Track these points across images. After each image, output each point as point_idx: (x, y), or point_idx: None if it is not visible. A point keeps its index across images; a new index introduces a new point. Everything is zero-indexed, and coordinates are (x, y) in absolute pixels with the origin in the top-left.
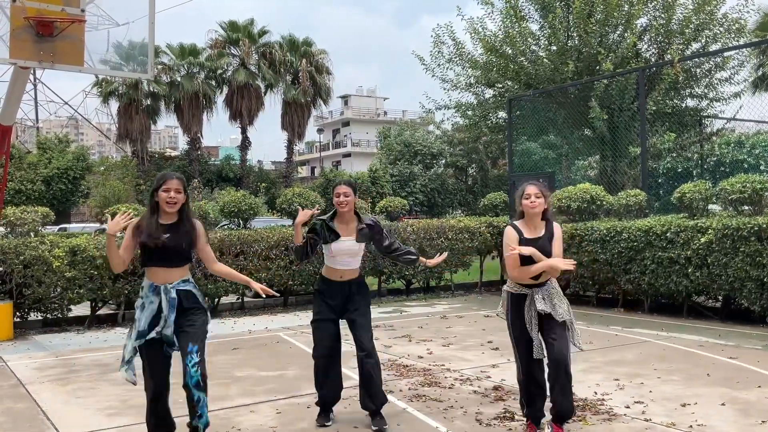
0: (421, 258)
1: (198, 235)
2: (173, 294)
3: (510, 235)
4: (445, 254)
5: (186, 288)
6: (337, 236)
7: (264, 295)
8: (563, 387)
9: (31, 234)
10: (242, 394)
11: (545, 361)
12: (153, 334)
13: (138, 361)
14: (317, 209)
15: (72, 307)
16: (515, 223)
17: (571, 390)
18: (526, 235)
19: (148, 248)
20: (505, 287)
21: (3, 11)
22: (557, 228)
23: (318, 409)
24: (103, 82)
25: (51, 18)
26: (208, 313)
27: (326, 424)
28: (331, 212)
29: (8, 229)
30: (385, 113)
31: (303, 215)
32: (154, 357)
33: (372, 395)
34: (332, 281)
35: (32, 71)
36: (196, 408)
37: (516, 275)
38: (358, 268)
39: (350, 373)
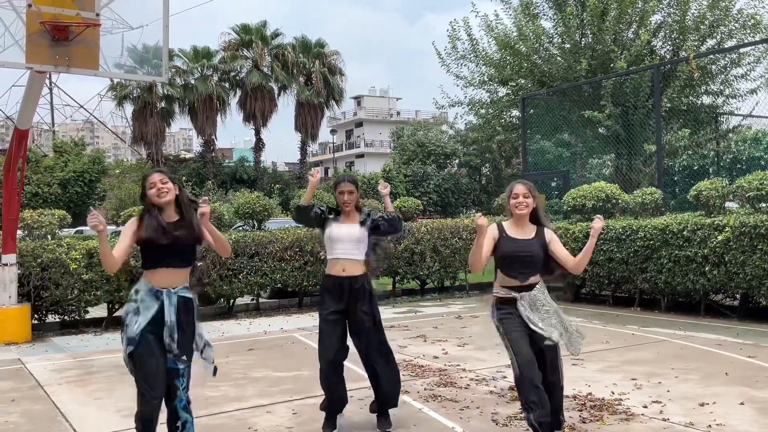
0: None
1: (203, 222)
2: (175, 300)
3: (489, 229)
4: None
5: (187, 295)
6: (337, 216)
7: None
8: (558, 407)
9: (48, 237)
10: (258, 394)
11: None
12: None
13: None
14: (317, 172)
15: (89, 308)
16: (502, 222)
17: (562, 405)
18: (510, 233)
19: (154, 247)
20: (492, 294)
21: (19, 16)
22: (550, 233)
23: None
24: (117, 85)
25: (66, 22)
26: (200, 324)
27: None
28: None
29: (26, 232)
30: (398, 113)
31: (316, 179)
32: (148, 356)
33: (387, 399)
34: (334, 277)
35: (48, 75)
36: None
37: (473, 262)
38: (362, 263)
39: (365, 373)
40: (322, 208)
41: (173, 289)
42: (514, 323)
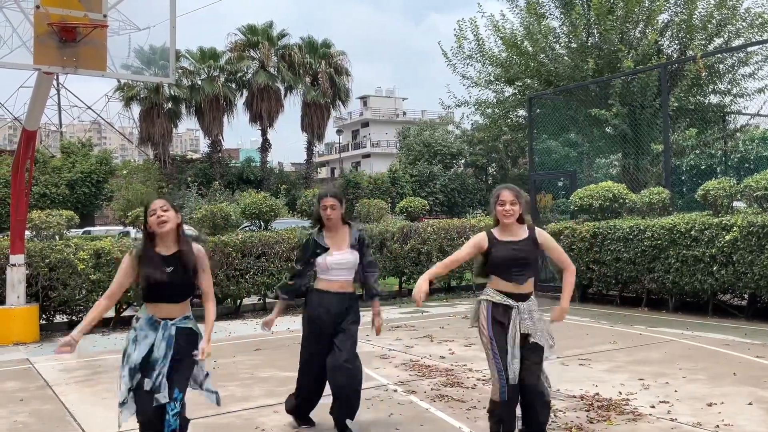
0: (375, 305)
1: (199, 260)
2: (172, 331)
3: (476, 238)
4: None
5: (187, 325)
6: (325, 250)
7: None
8: (542, 413)
9: (56, 237)
10: (265, 394)
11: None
12: (146, 386)
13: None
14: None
15: None
16: (491, 230)
17: (548, 416)
18: (501, 238)
19: (149, 283)
20: (482, 296)
21: (27, 18)
22: (542, 233)
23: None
24: (125, 86)
25: (74, 23)
26: (200, 344)
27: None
28: (318, 227)
29: (34, 233)
30: (404, 113)
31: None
32: (143, 393)
33: (343, 406)
34: (326, 292)
35: (55, 76)
36: None
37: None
38: (351, 281)
39: (372, 373)
40: (307, 250)
41: (171, 320)
42: (503, 340)
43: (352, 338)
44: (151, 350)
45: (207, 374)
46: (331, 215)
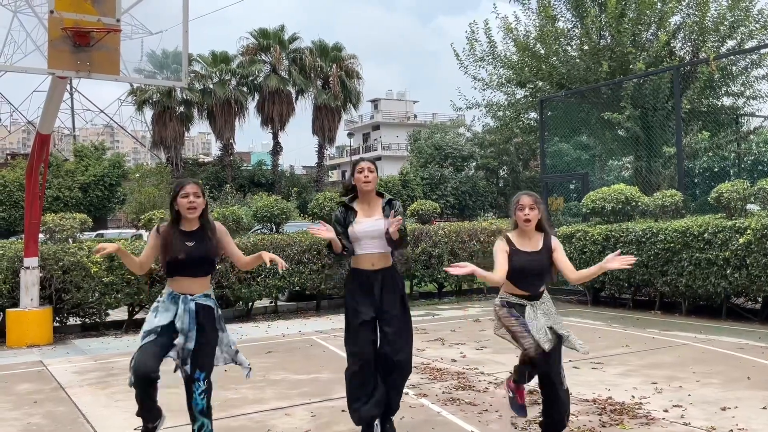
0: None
1: (222, 236)
2: (192, 306)
3: (498, 246)
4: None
5: (206, 303)
6: (355, 214)
7: (278, 266)
8: (559, 401)
9: (70, 240)
10: (277, 397)
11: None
12: (171, 355)
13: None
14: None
15: (110, 311)
16: (509, 234)
17: (568, 405)
18: (520, 246)
19: (171, 257)
20: (496, 300)
21: (41, 22)
22: (555, 241)
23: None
24: (137, 90)
25: (87, 28)
26: (223, 333)
27: None
28: (350, 195)
29: (47, 236)
30: (415, 116)
31: (329, 233)
32: (148, 346)
33: (390, 403)
34: (363, 271)
35: (69, 80)
36: None
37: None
38: (389, 255)
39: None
40: (339, 218)
41: (191, 295)
42: (521, 321)
43: (400, 334)
44: (173, 321)
45: (237, 351)
46: (369, 178)
